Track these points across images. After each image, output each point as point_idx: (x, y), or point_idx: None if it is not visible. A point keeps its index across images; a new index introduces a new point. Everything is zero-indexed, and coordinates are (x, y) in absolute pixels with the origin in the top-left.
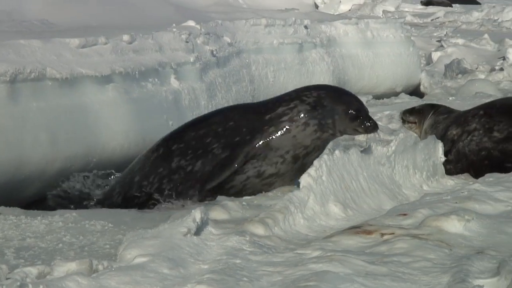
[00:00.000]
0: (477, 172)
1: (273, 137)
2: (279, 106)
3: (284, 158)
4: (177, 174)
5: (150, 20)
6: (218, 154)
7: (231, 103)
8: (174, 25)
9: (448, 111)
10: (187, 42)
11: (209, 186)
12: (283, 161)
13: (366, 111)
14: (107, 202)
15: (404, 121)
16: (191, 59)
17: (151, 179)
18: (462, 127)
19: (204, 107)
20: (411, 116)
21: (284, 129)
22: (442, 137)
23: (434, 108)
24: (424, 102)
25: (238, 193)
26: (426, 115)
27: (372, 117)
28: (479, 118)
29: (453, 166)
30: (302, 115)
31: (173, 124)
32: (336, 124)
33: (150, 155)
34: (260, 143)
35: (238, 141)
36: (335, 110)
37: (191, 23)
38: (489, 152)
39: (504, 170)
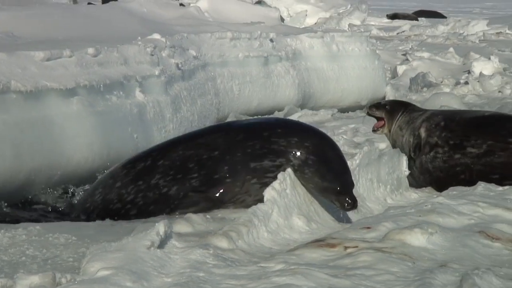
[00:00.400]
0: (441, 186)
1: (254, 187)
2: (265, 157)
3: (259, 200)
4: (152, 193)
5: (115, 33)
6: (195, 187)
7: (196, 116)
8: (139, 38)
9: (421, 109)
10: (152, 55)
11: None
12: (257, 202)
13: (351, 188)
14: (89, 200)
15: (369, 115)
16: (156, 72)
17: (129, 189)
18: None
19: (169, 120)
20: (378, 110)
21: (267, 184)
22: (418, 133)
23: (404, 106)
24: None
25: None
26: (396, 114)
27: (353, 195)
28: (440, 131)
29: (415, 180)
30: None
31: (138, 137)
32: (316, 182)
33: (138, 164)
34: (238, 189)
35: (217, 179)
36: (321, 177)
37: (156, 36)
38: (469, 167)
39: (471, 183)
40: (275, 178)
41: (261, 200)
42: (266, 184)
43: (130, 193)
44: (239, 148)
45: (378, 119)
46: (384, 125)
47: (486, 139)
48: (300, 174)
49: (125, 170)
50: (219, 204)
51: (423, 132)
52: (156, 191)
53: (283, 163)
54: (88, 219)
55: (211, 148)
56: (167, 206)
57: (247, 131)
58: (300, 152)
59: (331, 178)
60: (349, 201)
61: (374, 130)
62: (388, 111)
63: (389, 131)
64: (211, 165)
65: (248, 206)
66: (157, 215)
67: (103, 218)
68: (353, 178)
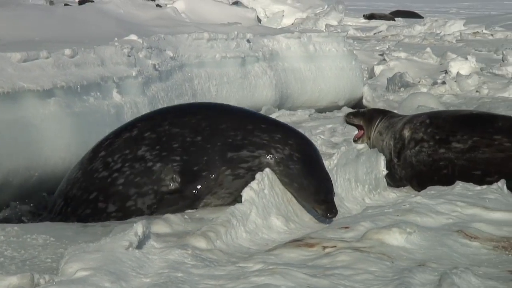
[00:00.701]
0: (421, 182)
1: (227, 179)
2: (244, 147)
3: (232, 194)
4: (138, 164)
5: (92, 34)
6: (174, 172)
7: None
8: (116, 39)
9: (400, 115)
10: (129, 56)
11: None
12: (230, 196)
13: (333, 195)
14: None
15: (348, 123)
16: (133, 73)
17: (115, 157)
18: (411, 132)
19: None
20: (356, 118)
21: (240, 175)
22: (400, 135)
23: (383, 113)
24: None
25: None
26: (375, 120)
27: (334, 203)
28: (425, 128)
29: (399, 171)
30: (263, 167)
31: None
32: (294, 187)
33: (123, 133)
34: (213, 183)
35: (196, 171)
36: (301, 180)
37: (133, 37)
38: (452, 162)
39: (451, 182)
40: (247, 169)
41: (232, 193)
42: (238, 176)
43: (117, 161)
44: (221, 132)
45: (357, 127)
46: (363, 134)
47: (472, 135)
48: (284, 169)
49: (108, 141)
50: (197, 200)
51: (406, 132)
52: (142, 163)
53: (261, 155)
54: (67, 200)
55: (197, 130)
56: (152, 184)
57: (235, 116)
58: (285, 149)
59: (315, 182)
60: (333, 211)
61: (354, 141)
62: (366, 118)
63: (369, 138)
64: (193, 153)
65: (220, 198)
66: (143, 189)
67: (83, 195)
68: (331, 178)
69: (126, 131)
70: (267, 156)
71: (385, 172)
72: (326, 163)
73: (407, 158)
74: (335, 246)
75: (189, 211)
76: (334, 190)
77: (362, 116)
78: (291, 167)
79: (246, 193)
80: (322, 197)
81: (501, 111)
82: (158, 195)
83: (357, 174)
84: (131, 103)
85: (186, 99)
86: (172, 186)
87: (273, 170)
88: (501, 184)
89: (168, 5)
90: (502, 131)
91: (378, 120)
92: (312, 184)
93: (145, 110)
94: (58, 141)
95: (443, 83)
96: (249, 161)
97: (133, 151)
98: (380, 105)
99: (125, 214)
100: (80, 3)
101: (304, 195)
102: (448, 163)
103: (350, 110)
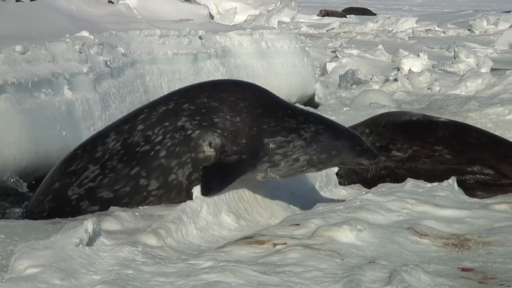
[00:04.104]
0: (369, 186)
1: (263, 166)
2: (278, 133)
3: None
4: (178, 134)
5: (43, 30)
6: (213, 139)
7: (125, 114)
8: (67, 35)
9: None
10: (80, 52)
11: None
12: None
13: (365, 142)
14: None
15: None
16: (85, 70)
17: (156, 130)
18: None
19: (98, 118)
20: None
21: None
22: None
23: None
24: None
25: None
26: None
27: (372, 148)
28: (366, 137)
29: (343, 180)
30: (296, 151)
31: (67, 135)
32: (333, 155)
33: (158, 107)
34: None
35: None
36: (335, 145)
37: (84, 33)
38: (392, 171)
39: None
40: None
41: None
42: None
43: (157, 134)
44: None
45: None
46: None
47: (412, 144)
48: (318, 145)
49: (143, 114)
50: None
51: None
52: (182, 133)
53: (294, 139)
54: (104, 170)
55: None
56: (190, 151)
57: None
58: (310, 125)
59: (346, 141)
60: (375, 154)
61: None
62: None
63: None
64: (232, 131)
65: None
66: (183, 162)
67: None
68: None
69: (161, 105)
70: (300, 138)
71: (336, 169)
72: None
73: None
74: (285, 243)
75: (140, 208)
76: (287, 186)
77: None
78: (322, 140)
79: (197, 190)
80: (359, 150)
81: (453, 108)
82: (196, 162)
83: None
84: (82, 100)
85: (138, 96)
86: (209, 152)
87: (308, 153)
88: (452, 181)
89: (120, 2)
90: (442, 141)
91: None
92: (345, 144)
93: (96, 107)
94: (9, 137)
95: (395, 80)
96: (285, 146)
97: (172, 123)
98: (331, 102)
99: (166, 190)
100: None
101: (343, 158)
102: (390, 172)
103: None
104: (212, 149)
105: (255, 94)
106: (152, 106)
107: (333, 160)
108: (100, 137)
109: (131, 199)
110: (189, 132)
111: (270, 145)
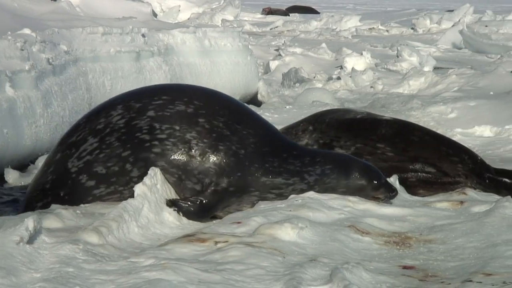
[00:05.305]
0: None
1: (251, 199)
2: (279, 174)
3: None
4: (182, 145)
5: None
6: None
7: (67, 112)
8: (9, 33)
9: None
10: (22, 50)
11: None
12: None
13: (382, 175)
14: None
15: None
16: (27, 67)
17: (164, 127)
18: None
19: (40, 115)
20: None
21: (268, 198)
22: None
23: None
24: None
25: None
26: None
27: (388, 182)
28: (309, 134)
29: None
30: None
31: (8, 133)
32: (343, 190)
33: (177, 102)
34: (234, 199)
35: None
36: (344, 183)
37: (26, 31)
38: None
39: None
40: (278, 195)
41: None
42: (265, 199)
43: (163, 131)
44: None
45: None
46: None
47: (355, 141)
48: (323, 186)
49: (160, 101)
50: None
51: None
52: (185, 147)
53: (296, 182)
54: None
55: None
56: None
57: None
58: (316, 167)
59: (360, 176)
60: (392, 189)
61: None
62: None
63: None
64: (232, 161)
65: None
66: (169, 169)
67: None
68: None
69: (181, 103)
70: (302, 182)
71: None
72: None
73: None
74: (227, 241)
75: (82, 205)
76: None
77: None
78: (327, 181)
79: (139, 188)
80: (376, 185)
81: (395, 106)
82: (179, 183)
83: None
84: (24, 97)
85: (80, 94)
86: (196, 187)
87: (314, 191)
88: (394, 179)
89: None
90: (385, 139)
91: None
92: (357, 180)
93: (38, 104)
94: None
95: (338, 78)
96: (283, 188)
97: (182, 130)
98: (274, 100)
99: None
100: None
101: (352, 193)
102: None
103: None
104: (199, 185)
105: (266, 133)
106: (172, 98)
107: (340, 193)
108: (105, 108)
109: (118, 179)
110: (191, 152)
111: (267, 183)
